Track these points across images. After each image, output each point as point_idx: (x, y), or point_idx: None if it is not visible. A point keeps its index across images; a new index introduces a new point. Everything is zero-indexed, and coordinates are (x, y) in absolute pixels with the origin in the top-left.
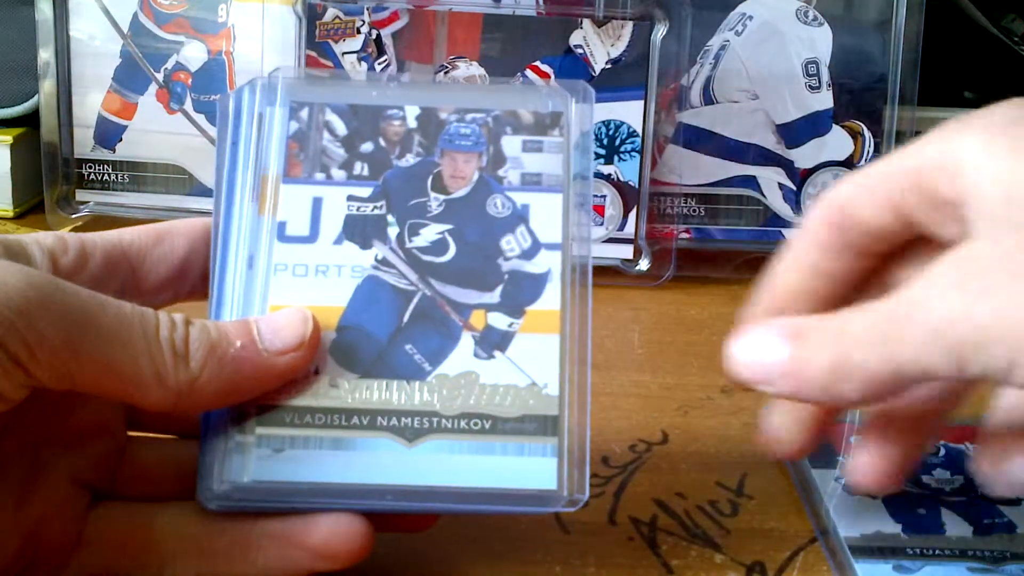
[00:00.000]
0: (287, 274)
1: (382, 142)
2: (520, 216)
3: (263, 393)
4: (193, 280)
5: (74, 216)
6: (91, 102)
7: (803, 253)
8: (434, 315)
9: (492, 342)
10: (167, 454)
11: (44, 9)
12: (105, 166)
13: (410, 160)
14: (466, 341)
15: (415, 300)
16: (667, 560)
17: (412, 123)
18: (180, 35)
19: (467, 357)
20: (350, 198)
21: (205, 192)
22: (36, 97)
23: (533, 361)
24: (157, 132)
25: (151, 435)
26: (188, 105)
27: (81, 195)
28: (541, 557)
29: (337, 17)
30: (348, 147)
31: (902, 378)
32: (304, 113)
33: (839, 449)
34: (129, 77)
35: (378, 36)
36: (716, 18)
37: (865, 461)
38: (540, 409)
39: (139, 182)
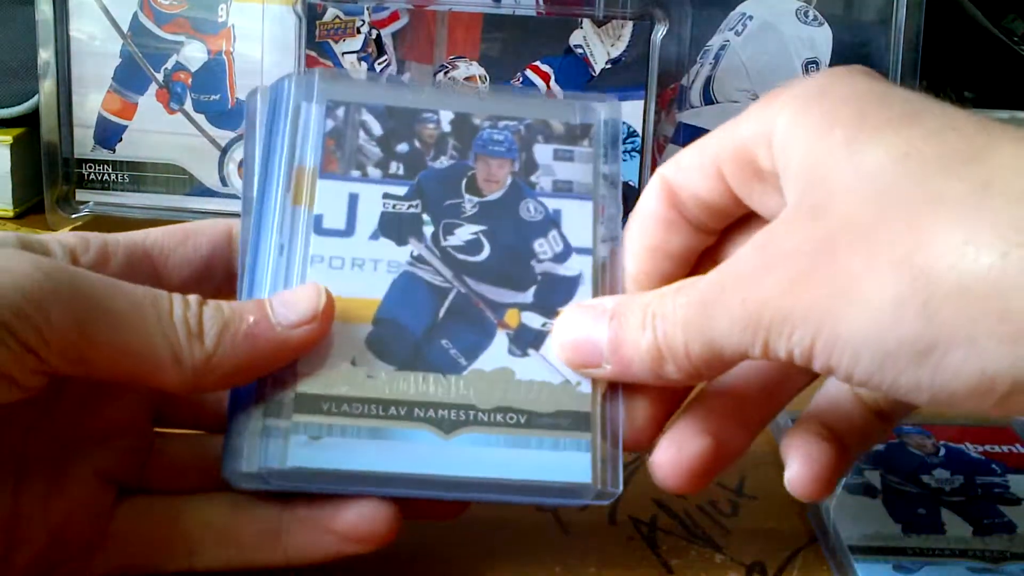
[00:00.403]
0: (323, 266)
1: (417, 144)
2: (552, 221)
3: (281, 368)
4: (216, 281)
5: (74, 216)
6: (91, 102)
7: (642, 230)
8: (469, 312)
9: (526, 340)
10: (194, 448)
11: (44, 9)
12: (105, 166)
13: (444, 162)
14: (500, 339)
15: (450, 297)
16: (667, 560)
17: (446, 127)
18: (180, 35)
19: (502, 354)
20: (386, 196)
21: (205, 192)
22: (36, 97)
23: None
24: (157, 132)
25: (178, 431)
26: (188, 105)
27: (81, 195)
28: (541, 557)
29: (337, 17)
30: (384, 147)
31: (720, 358)
32: (340, 112)
33: None
34: (129, 77)
35: (378, 36)
36: (716, 18)
37: (674, 454)
38: (574, 405)
39: (139, 182)
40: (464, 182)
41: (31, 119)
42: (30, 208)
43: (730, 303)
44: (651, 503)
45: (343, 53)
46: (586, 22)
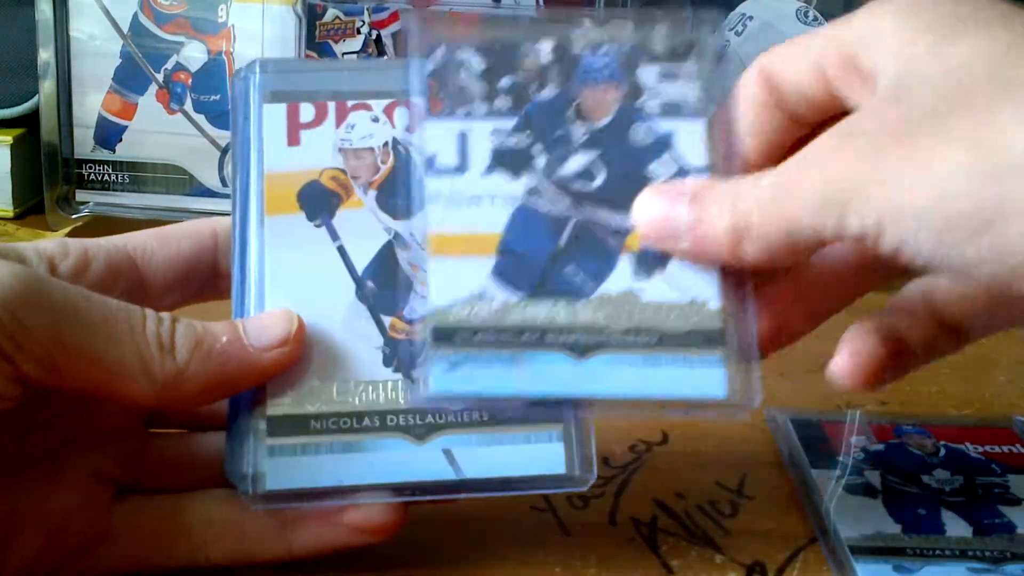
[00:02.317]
0: (440, 205)
1: (520, 77)
2: (664, 143)
3: (250, 387)
4: (200, 282)
5: (74, 216)
6: (91, 102)
7: (739, 111)
8: (590, 239)
9: (649, 263)
10: (190, 447)
11: (44, 9)
12: (105, 166)
13: (549, 93)
14: (624, 263)
15: (569, 225)
16: (667, 560)
17: (547, 57)
18: (180, 35)
19: (626, 277)
20: (494, 131)
21: (205, 192)
22: (36, 97)
23: (692, 279)
24: (157, 132)
25: (174, 431)
26: (188, 105)
27: (81, 195)
28: (541, 558)
29: (337, 17)
30: (487, 82)
31: (797, 239)
32: (440, 52)
33: (839, 449)
34: (129, 77)
35: (378, 36)
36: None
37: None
38: (705, 324)
39: (139, 182)
40: (571, 111)
41: (31, 119)
42: (30, 208)
43: (807, 180)
44: (651, 503)
45: (343, 53)
46: (586, 22)
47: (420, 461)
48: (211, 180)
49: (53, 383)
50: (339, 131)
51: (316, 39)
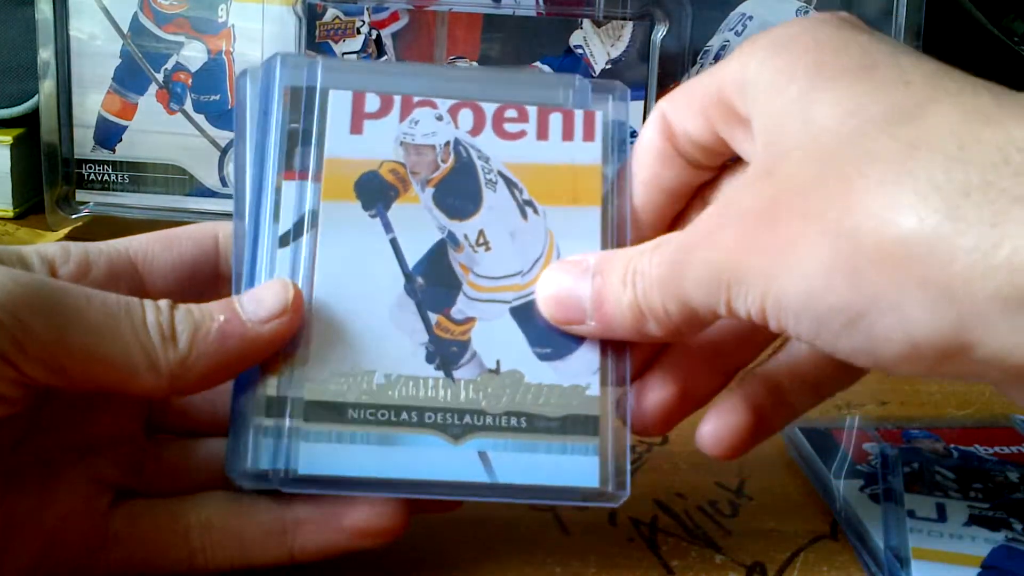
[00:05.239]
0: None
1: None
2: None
3: (255, 364)
4: (201, 286)
5: (74, 216)
6: (91, 102)
7: (639, 163)
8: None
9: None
10: (189, 451)
11: (44, 9)
12: (105, 166)
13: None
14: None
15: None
16: (667, 561)
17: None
18: (180, 35)
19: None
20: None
21: (205, 192)
22: (36, 97)
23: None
24: (157, 132)
25: (172, 435)
26: (188, 105)
27: (81, 195)
28: (541, 558)
29: (337, 17)
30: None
31: (696, 316)
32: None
33: (854, 456)
34: (129, 77)
35: (378, 36)
36: (716, 18)
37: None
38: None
39: (139, 182)
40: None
41: (31, 119)
42: (30, 208)
43: (696, 262)
44: (652, 504)
45: (343, 54)
46: (586, 22)
47: (454, 461)
48: (211, 180)
49: (59, 385)
50: (403, 125)
51: (316, 39)
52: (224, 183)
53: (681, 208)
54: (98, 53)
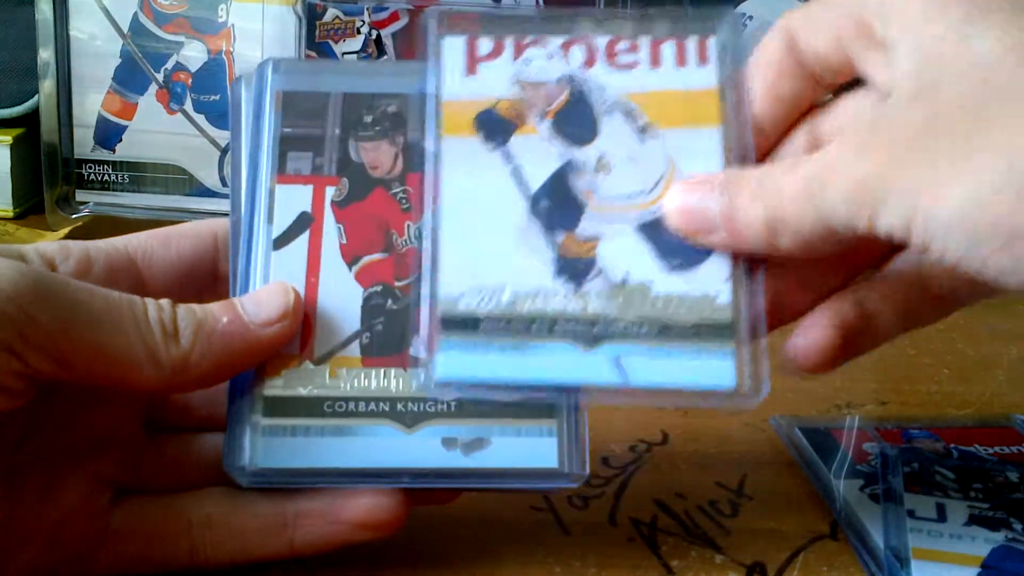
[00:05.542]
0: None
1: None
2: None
3: (255, 365)
4: (200, 284)
5: (74, 216)
6: (91, 102)
7: (762, 76)
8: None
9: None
10: (189, 447)
11: (44, 9)
12: (105, 166)
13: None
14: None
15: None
16: (667, 560)
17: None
18: (180, 35)
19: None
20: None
21: (205, 192)
22: (36, 97)
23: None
24: (157, 132)
25: (171, 432)
26: (188, 105)
27: (81, 195)
28: (541, 557)
29: (337, 17)
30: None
31: (832, 233)
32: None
33: (854, 455)
34: (129, 77)
35: (378, 36)
36: None
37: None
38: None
39: (139, 182)
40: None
41: (31, 119)
42: (30, 208)
43: (839, 179)
44: (651, 503)
45: (343, 53)
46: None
47: (588, 366)
48: (211, 180)
49: (62, 377)
50: (516, 64)
51: (316, 39)
52: (224, 183)
53: (795, 120)
54: (98, 53)
